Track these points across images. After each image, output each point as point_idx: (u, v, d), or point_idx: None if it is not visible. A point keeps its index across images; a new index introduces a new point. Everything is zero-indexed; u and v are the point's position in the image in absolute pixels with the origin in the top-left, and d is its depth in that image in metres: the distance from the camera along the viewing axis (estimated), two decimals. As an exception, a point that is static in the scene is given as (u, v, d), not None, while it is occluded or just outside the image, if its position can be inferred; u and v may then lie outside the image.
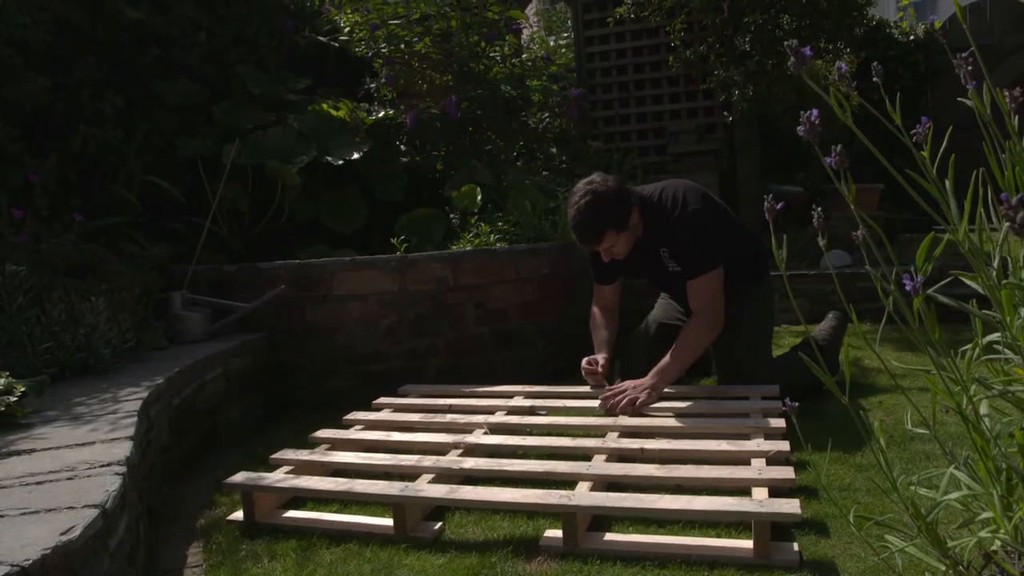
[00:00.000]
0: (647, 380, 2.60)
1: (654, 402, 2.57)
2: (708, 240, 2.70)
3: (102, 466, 1.63)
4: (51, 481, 1.56)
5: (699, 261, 2.68)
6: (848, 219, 4.60)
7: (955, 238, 0.82)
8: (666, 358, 2.64)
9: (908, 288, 0.78)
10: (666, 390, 2.70)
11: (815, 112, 0.79)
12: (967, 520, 0.86)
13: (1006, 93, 0.81)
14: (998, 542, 0.82)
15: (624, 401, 2.53)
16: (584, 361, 2.85)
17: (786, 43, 0.78)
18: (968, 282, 0.90)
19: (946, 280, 0.99)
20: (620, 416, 2.51)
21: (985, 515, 0.83)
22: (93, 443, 1.82)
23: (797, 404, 1.10)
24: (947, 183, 0.82)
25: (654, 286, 3.19)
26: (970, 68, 0.82)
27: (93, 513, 1.35)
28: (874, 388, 2.96)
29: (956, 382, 0.83)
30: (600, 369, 2.80)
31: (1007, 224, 0.58)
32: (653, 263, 2.79)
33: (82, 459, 1.70)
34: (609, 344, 2.89)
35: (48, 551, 1.20)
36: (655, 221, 2.72)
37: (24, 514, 1.37)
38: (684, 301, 2.84)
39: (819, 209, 0.94)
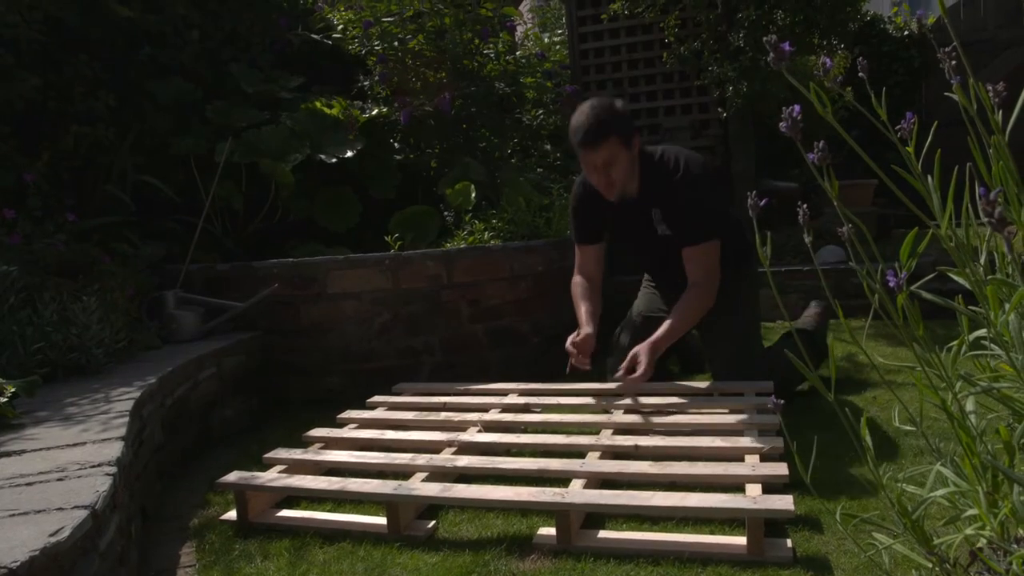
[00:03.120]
0: (643, 353, 2.52)
1: (650, 373, 2.52)
2: (708, 208, 2.62)
3: (93, 467, 1.63)
4: (41, 482, 1.55)
5: (698, 228, 2.60)
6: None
7: (939, 235, 0.82)
8: (660, 329, 2.58)
9: (891, 284, 0.78)
10: (661, 386, 2.71)
11: (797, 108, 0.79)
12: (953, 517, 0.86)
13: (989, 88, 0.80)
14: (984, 539, 0.82)
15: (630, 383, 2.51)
16: (570, 338, 2.66)
17: (765, 39, 0.77)
18: (955, 277, 0.89)
19: (930, 276, 0.99)
20: (614, 413, 2.51)
21: (971, 512, 0.83)
22: (84, 443, 1.81)
23: (783, 402, 1.10)
24: (930, 179, 0.82)
25: (635, 253, 3.05)
26: (954, 63, 0.82)
27: (83, 514, 1.35)
28: (868, 383, 2.96)
29: (942, 378, 0.82)
30: (584, 346, 2.63)
31: (987, 219, 0.57)
32: (641, 224, 2.70)
33: (73, 460, 1.69)
34: (594, 317, 2.73)
35: (36, 552, 1.19)
36: (653, 179, 2.64)
37: (14, 515, 1.37)
38: (666, 272, 2.77)
39: (804, 207, 0.94)
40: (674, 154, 2.68)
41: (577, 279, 2.85)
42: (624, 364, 2.53)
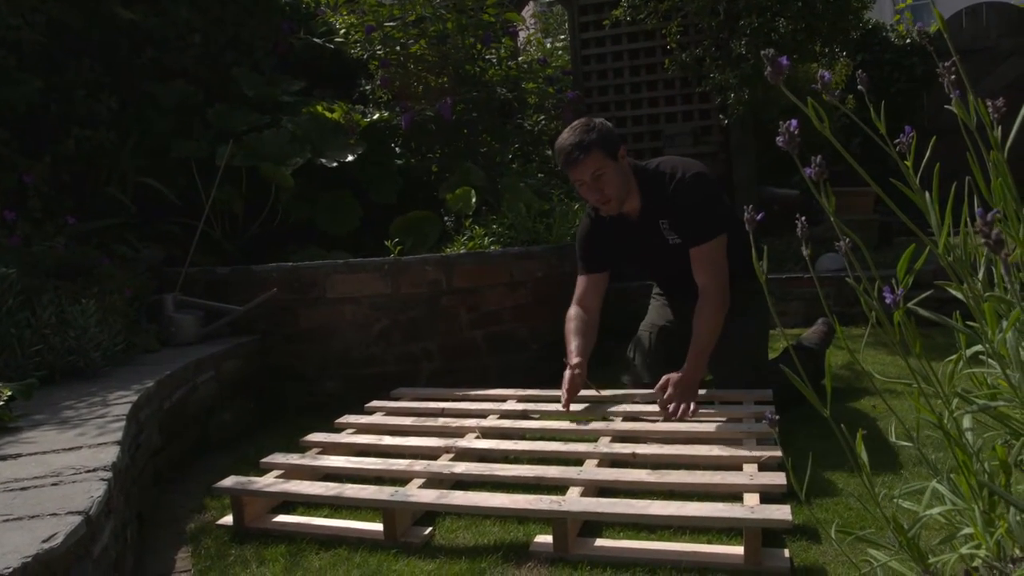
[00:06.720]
0: (682, 386, 2.49)
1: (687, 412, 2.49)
2: (710, 205, 2.59)
3: (88, 471, 1.62)
4: (36, 487, 1.55)
5: (702, 227, 2.57)
6: (844, 221, 4.60)
7: (936, 251, 0.81)
8: (688, 362, 2.51)
9: (888, 301, 0.77)
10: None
11: (794, 122, 0.78)
12: (949, 536, 0.86)
13: (988, 104, 0.80)
14: (980, 559, 0.81)
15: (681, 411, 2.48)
16: (567, 368, 2.62)
17: (763, 52, 0.77)
18: (953, 291, 0.89)
19: (928, 293, 0.98)
20: (612, 420, 2.50)
21: (967, 531, 0.82)
22: (80, 448, 1.81)
23: (778, 417, 1.10)
24: (928, 195, 0.81)
25: (650, 273, 3.03)
26: (953, 78, 0.82)
27: (76, 520, 1.34)
28: (867, 391, 2.95)
29: (938, 395, 0.82)
30: (579, 381, 2.59)
31: (983, 241, 0.57)
32: (652, 239, 2.69)
33: (68, 464, 1.68)
34: (585, 353, 2.65)
35: (29, 559, 1.19)
36: (653, 190, 2.63)
37: (7, 520, 1.36)
38: (682, 284, 2.71)
39: (803, 220, 0.93)
40: (670, 163, 2.68)
41: (573, 311, 2.76)
42: (656, 393, 2.51)
